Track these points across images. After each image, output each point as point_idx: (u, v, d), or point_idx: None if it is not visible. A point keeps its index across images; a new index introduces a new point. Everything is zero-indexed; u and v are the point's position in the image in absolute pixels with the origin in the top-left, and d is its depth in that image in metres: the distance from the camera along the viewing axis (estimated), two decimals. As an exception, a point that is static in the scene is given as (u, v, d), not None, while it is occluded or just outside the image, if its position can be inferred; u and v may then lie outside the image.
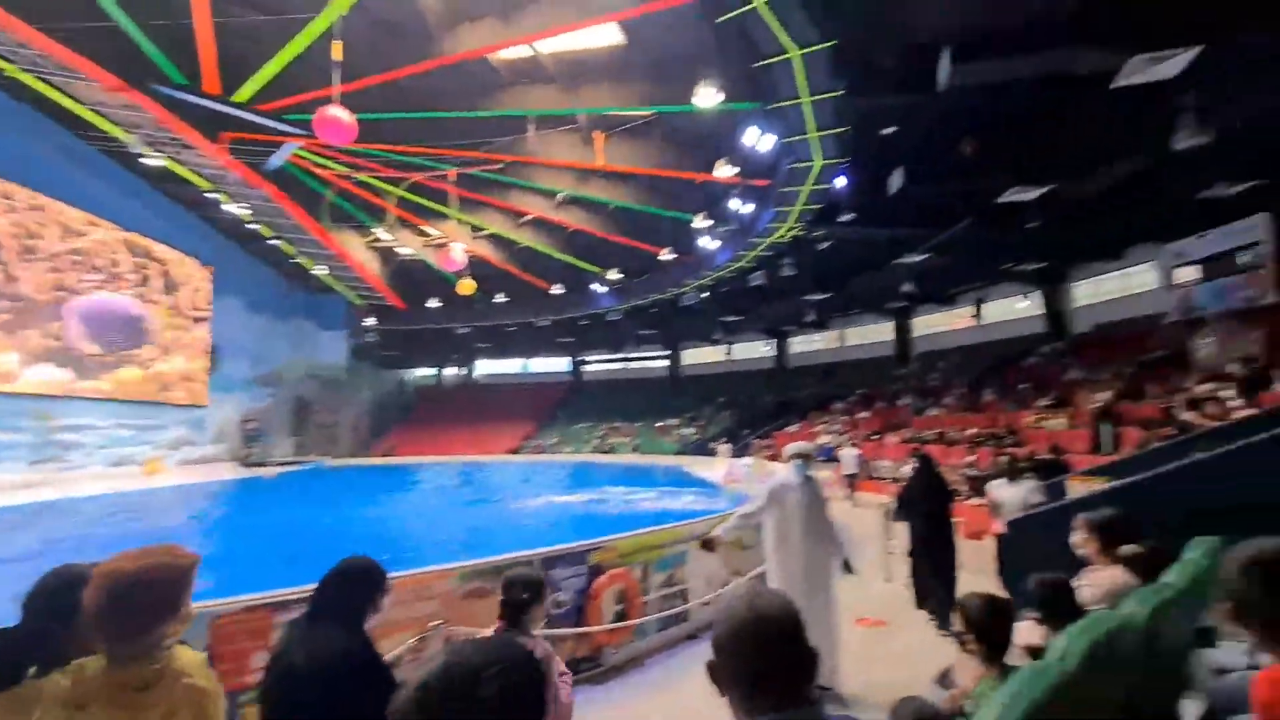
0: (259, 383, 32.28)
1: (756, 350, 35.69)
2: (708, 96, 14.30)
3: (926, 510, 5.99)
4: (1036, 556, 3.68)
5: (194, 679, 1.45)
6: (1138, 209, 14.02)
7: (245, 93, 16.93)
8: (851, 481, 15.14)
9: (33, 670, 1.39)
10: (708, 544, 4.42)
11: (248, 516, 15.78)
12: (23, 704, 1.34)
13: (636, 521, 7.65)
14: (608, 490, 16.83)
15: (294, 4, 14.82)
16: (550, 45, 17.29)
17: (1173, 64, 8.05)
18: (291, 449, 33.09)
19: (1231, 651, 2.57)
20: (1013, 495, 5.97)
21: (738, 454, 21.45)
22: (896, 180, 12.95)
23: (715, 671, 1.07)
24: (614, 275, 29.61)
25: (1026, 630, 2.33)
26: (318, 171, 23.77)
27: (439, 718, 0.79)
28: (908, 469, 6.89)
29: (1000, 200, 12.48)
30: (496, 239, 30.20)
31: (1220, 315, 13.99)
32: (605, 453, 31.05)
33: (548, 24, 15.65)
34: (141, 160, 20.68)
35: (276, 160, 20.94)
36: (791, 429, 24.55)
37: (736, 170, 17.71)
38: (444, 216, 25.57)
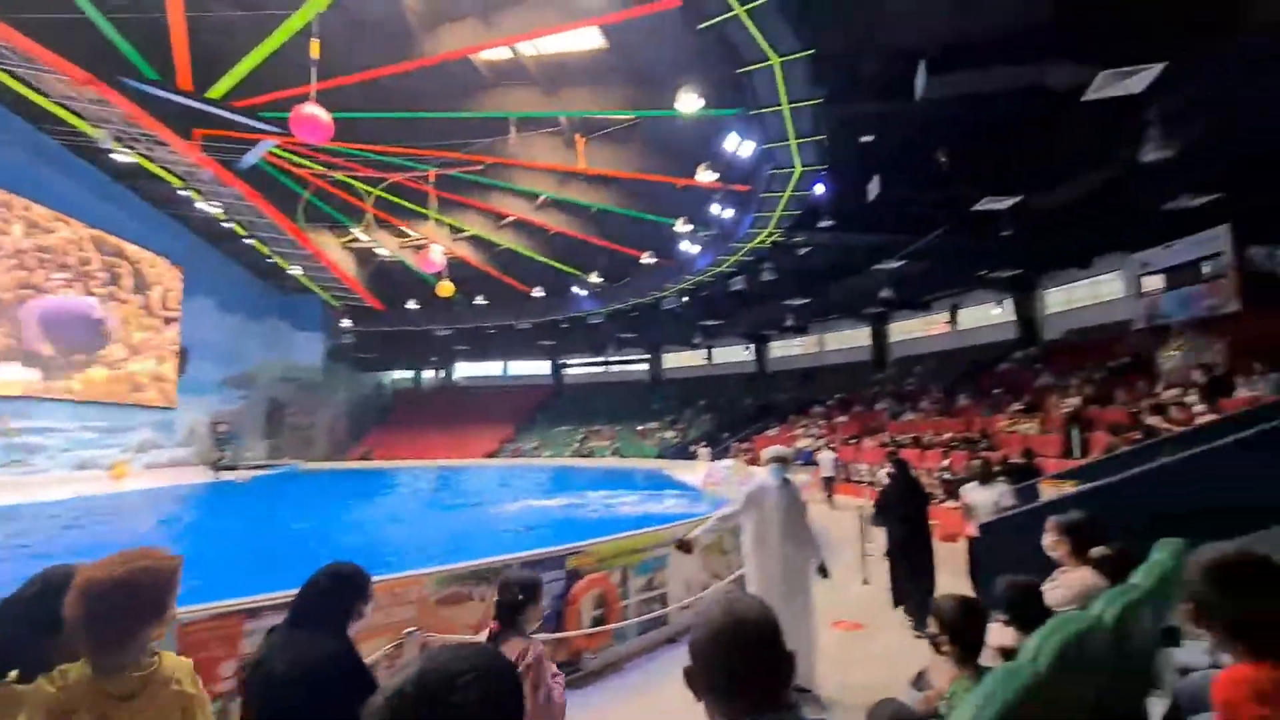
0: (230, 384, 31.62)
1: (736, 354, 35.92)
2: (689, 102, 14.37)
3: (903, 513, 6.08)
4: (1008, 559, 3.74)
5: (182, 685, 1.43)
6: (1106, 219, 14.39)
7: (220, 89, 16.61)
8: (830, 484, 15.28)
9: (14, 674, 1.33)
10: (685, 546, 4.40)
11: (218, 521, 15.42)
12: (3, 707, 1.30)
13: (616, 525, 7.63)
14: (587, 494, 16.77)
15: (271, 0, 14.59)
16: (532, 47, 17.25)
17: (1139, 79, 8.29)
18: (264, 452, 32.46)
19: (1194, 651, 2.64)
20: (985, 498, 6.06)
21: (717, 457, 21.52)
22: (874, 188, 13.14)
23: (692, 677, 1.07)
24: (595, 278, 29.57)
25: (999, 632, 2.36)
26: (294, 170, 23.40)
27: (413, 725, 0.78)
28: (884, 474, 6.97)
29: (974, 209, 12.74)
30: (477, 241, 29.98)
31: (1185, 323, 14.42)
32: (585, 456, 30.96)
33: (529, 26, 15.60)
34: (111, 156, 20.17)
35: (251, 158, 20.55)
36: (771, 432, 24.72)
37: (717, 175, 17.81)
38: (423, 217, 25.31)
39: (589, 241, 27.18)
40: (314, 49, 11.75)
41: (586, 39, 16.65)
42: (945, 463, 13.75)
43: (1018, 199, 12.36)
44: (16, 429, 20.55)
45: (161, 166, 21.45)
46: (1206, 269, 14.76)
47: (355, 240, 29.78)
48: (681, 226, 22.02)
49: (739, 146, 15.76)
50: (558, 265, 30.27)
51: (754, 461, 17.97)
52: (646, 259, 26.23)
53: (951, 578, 5.84)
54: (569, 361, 41.46)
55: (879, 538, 6.64)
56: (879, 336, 28.69)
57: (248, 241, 27.76)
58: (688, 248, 23.52)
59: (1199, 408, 9.33)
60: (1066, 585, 2.89)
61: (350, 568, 1.99)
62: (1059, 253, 18.32)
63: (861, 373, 27.63)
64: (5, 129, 19.78)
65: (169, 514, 16.18)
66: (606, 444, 31.99)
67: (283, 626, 1.91)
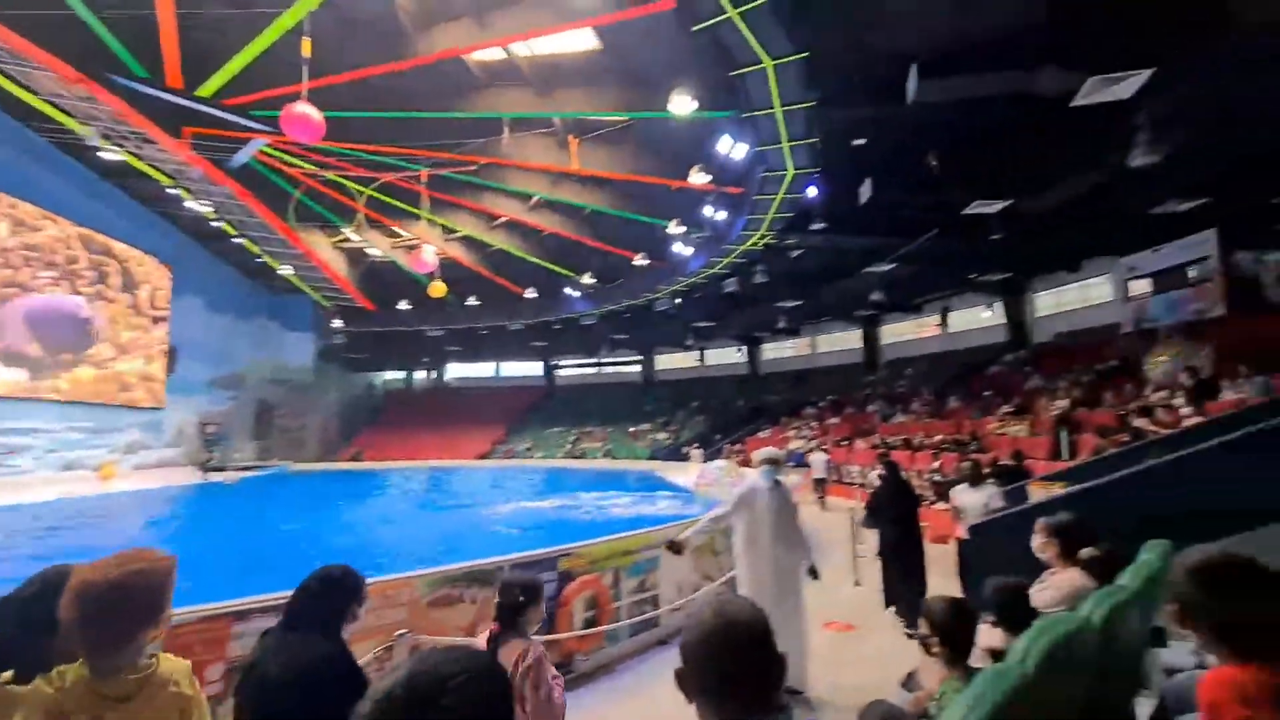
0: (219, 385, 31.37)
1: (729, 356, 36.00)
2: (682, 104, 14.39)
3: (894, 515, 6.11)
4: (997, 561, 3.77)
5: (180, 687, 1.43)
6: (1094, 223, 14.53)
7: (210, 87, 16.49)
8: (821, 486, 15.33)
9: (9, 675, 1.32)
10: (675, 547, 4.38)
11: (206, 522, 15.29)
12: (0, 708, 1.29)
13: (608, 527, 7.63)
14: (579, 496, 16.74)
15: (262, -2, 14.51)
16: (525, 48, 17.23)
17: (1127, 85, 8.39)
18: (254, 453, 32.21)
19: (1180, 651, 2.67)
20: (974, 500, 6.09)
21: (710, 458, 21.54)
22: (866, 191, 13.21)
23: (684, 679, 1.07)
24: (588, 280, 29.55)
25: (987, 633, 2.38)
26: (285, 169, 23.25)
27: (402, 727, 0.77)
28: (875, 476, 7.00)
29: (965, 212, 12.83)
30: (469, 241, 29.90)
31: (1171, 327, 14.58)
32: (577, 457, 30.91)
33: (523, 27, 15.58)
34: (100, 154, 19.98)
35: (241, 157, 20.43)
36: (763, 434, 24.77)
37: (710, 177, 17.85)
38: (416, 218, 25.23)
39: (582, 243, 27.16)
40: (306, 47, 11.70)
41: (580, 40, 16.64)
42: (936, 464, 13.82)
43: (1008, 203, 12.47)
44: (1, 429, 20.29)
45: (150, 164, 21.26)
46: (1193, 273, 14.93)
47: (347, 240, 29.62)
48: (674, 228, 22.05)
49: (732, 149, 15.80)
50: (550, 266, 30.23)
51: (746, 463, 18.00)
52: (639, 260, 26.23)
53: (942, 579, 5.87)
54: (561, 363, 41.40)
55: (870, 539, 6.66)
56: (870, 339, 28.82)
57: (238, 241, 27.57)
58: (681, 249, 23.55)
59: (1185, 410, 9.42)
60: (1055, 586, 2.91)
61: (344, 570, 1.99)
62: (1048, 256, 18.48)
63: (853, 375, 27.74)
64: (-9, 126, 19.58)
65: (157, 515, 16.03)
66: (599, 445, 31.96)
67: (276, 629, 1.91)
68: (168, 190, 23.02)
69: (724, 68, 11.43)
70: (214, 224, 25.56)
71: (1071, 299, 20.87)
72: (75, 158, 21.99)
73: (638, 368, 39.55)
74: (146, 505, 17.66)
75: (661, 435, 30.96)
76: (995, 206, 12.58)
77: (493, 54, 17.69)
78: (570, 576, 4.84)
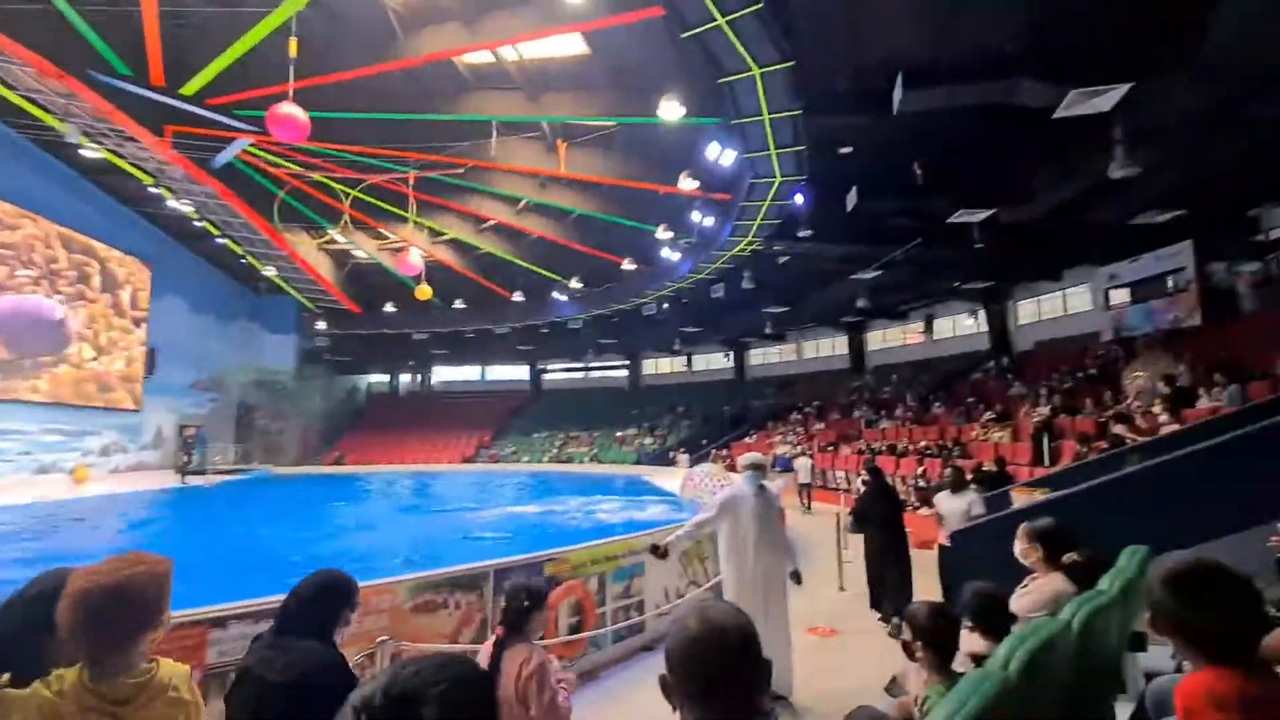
0: (199, 387, 30.88)
1: (716, 361, 36.11)
2: (671, 110, 14.45)
3: (880, 519, 6.16)
4: (979, 566, 3.80)
5: (179, 692, 1.42)
6: (1075, 233, 14.76)
7: (194, 86, 16.29)
8: (806, 491, 15.39)
9: (6, 677, 1.30)
10: (659, 551, 4.36)
11: (183, 527, 15.02)
12: None
13: (594, 532, 7.60)
14: (565, 500, 16.66)
15: (248, -3, 14.38)
16: (514, 52, 17.23)
17: (1107, 98, 8.56)
18: (234, 457, 31.71)
19: (1159, 656, 2.70)
20: (956, 506, 6.15)
21: (696, 463, 21.55)
22: (852, 198, 13.34)
23: (668, 685, 1.06)
24: (575, 284, 29.52)
25: (968, 638, 2.39)
26: (270, 170, 23.01)
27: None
28: (860, 482, 7.05)
29: (949, 221, 12.99)
30: (456, 244, 29.75)
31: (1149, 336, 14.84)
32: (563, 462, 30.79)
33: (512, 31, 15.58)
34: (80, 152, 19.64)
35: (225, 157, 20.19)
36: (749, 439, 24.85)
37: (698, 183, 17.93)
38: (402, 220, 25.06)
39: (570, 247, 27.11)
40: (292, 47, 11.59)
41: (569, 45, 16.67)
42: (920, 470, 13.95)
43: (991, 212, 12.64)
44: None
45: (131, 163, 20.95)
46: (1170, 283, 15.22)
47: (332, 242, 29.34)
48: (662, 233, 22.11)
49: (720, 155, 15.88)
50: (538, 270, 30.16)
51: (732, 468, 18.03)
52: (627, 265, 26.26)
53: (926, 583, 5.91)
54: (548, 367, 41.24)
55: (856, 544, 6.70)
56: (856, 345, 29.03)
57: (220, 241, 27.20)
58: (668, 255, 23.61)
59: (1163, 418, 9.58)
60: (1038, 591, 2.94)
61: (338, 575, 1.99)
62: (1030, 265, 18.73)
63: (839, 381, 27.91)
64: (-34, 121, 19.20)
65: (131, 519, 15.71)
66: (585, 450, 31.85)
67: (268, 633, 1.90)
68: (149, 189, 22.69)
69: (712, 75, 11.49)
70: (196, 224, 25.22)
71: (1052, 307, 21.18)
72: (54, 155, 21.60)
73: (624, 372, 39.50)
74: (121, 509, 17.29)
75: (648, 440, 30.94)
76: (978, 215, 12.75)
77: (481, 57, 17.67)
78: (555, 581, 4.80)
